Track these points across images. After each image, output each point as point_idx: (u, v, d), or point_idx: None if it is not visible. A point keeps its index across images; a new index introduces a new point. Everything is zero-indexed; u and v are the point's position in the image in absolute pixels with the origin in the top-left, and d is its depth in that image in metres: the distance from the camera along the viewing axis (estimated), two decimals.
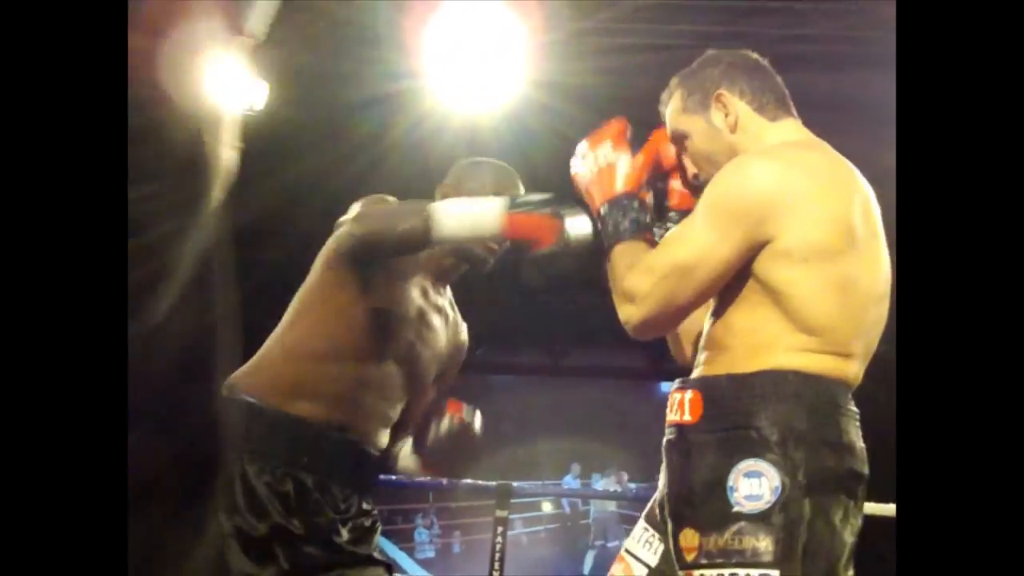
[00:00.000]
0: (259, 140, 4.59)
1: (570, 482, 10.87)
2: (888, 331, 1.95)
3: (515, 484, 4.72)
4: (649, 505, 2.19)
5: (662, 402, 2.04)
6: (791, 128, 2.09)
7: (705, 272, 1.89)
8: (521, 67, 5.09)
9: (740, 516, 1.78)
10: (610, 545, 10.38)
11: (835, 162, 2.00)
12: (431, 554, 10.46)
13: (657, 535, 2.11)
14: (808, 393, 1.83)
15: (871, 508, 4.20)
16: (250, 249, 2.39)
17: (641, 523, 2.17)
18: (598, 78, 5.23)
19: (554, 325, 9.75)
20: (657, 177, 2.21)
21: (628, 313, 1.96)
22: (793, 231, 1.85)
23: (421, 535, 10.53)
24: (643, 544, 2.15)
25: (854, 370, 1.92)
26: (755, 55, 2.17)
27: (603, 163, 2.13)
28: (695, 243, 1.92)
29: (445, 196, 2.39)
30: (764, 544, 1.76)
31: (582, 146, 2.19)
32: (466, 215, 2.18)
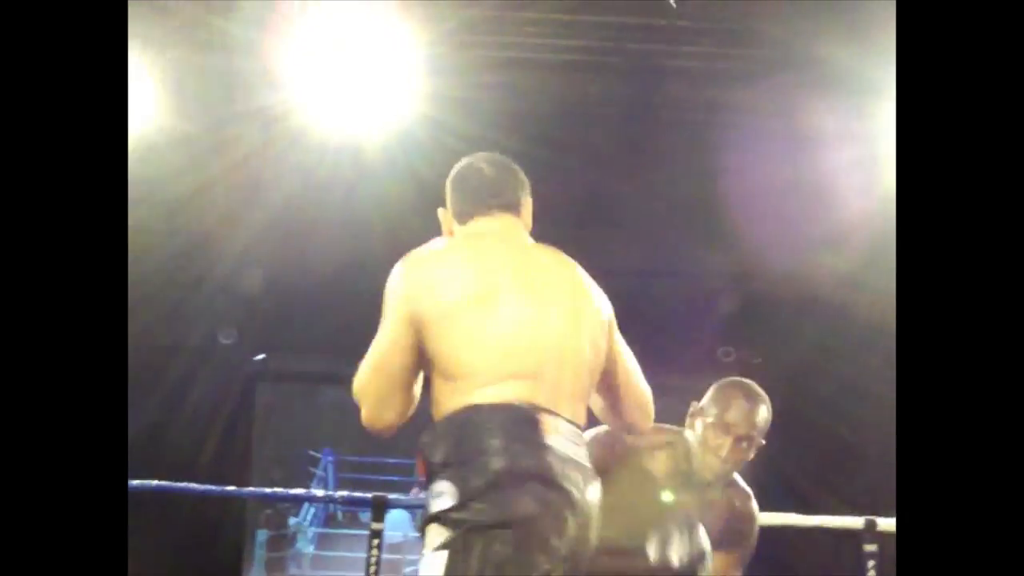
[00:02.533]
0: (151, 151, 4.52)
1: None
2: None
3: (391, 496, 4.80)
4: None
5: None
6: (472, 225, 2.38)
7: (393, 366, 2.17)
8: (409, 79, 4.90)
9: None
10: None
11: (458, 242, 2.35)
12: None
13: None
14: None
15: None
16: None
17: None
18: (486, 92, 5.31)
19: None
20: None
21: (362, 414, 2.21)
22: (423, 306, 2.16)
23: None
24: None
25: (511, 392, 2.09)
26: (481, 158, 2.45)
27: None
28: (379, 343, 2.19)
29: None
30: None
31: None
32: None
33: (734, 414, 2.61)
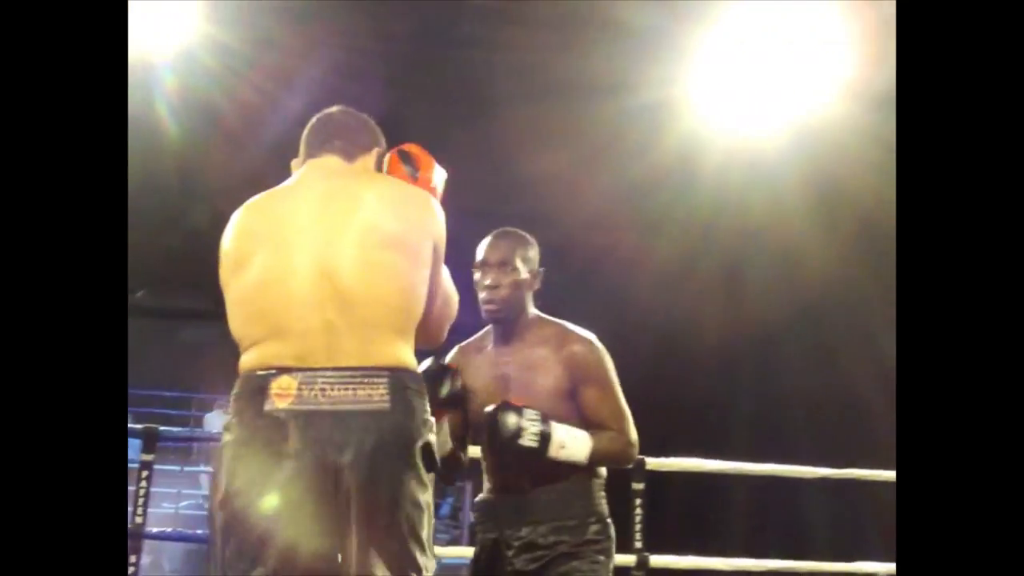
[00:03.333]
0: None
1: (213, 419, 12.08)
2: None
3: (161, 428, 4.66)
4: None
5: None
6: (298, 171, 2.46)
7: None
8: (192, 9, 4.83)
9: None
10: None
11: (255, 198, 2.36)
12: None
13: None
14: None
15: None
16: None
17: None
18: (274, 18, 5.24)
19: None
20: None
21: None
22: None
23: None
24: None
25: (267, 355, 2.17)
26: (336, 108, 2.52)
27: None
28: None
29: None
30: None
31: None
32: None
33: (482, 249, 2.95)
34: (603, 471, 2.88)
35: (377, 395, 2.11)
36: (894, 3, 4.83)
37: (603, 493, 2.88)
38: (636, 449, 2.87)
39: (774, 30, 5.18)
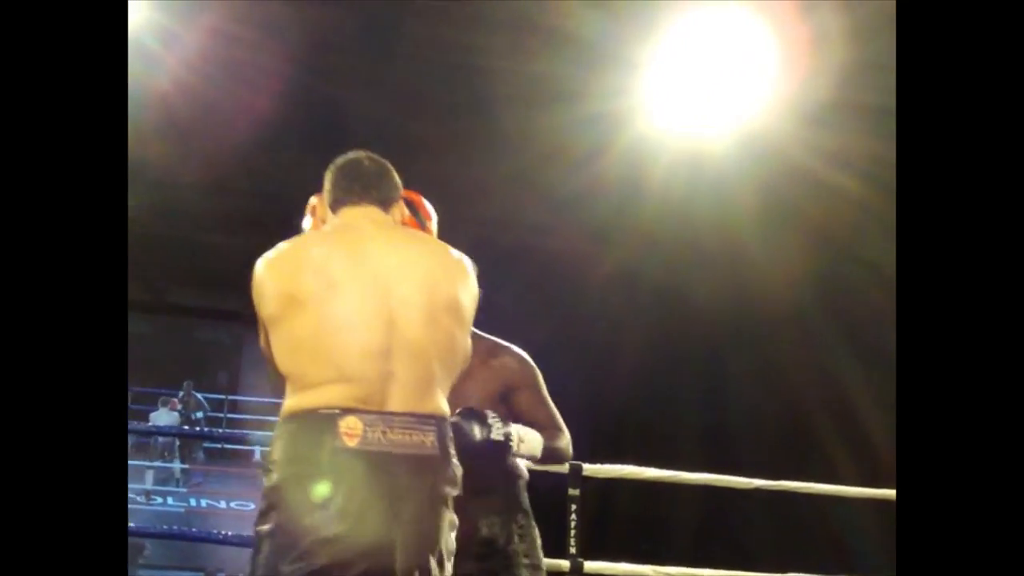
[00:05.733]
0: None
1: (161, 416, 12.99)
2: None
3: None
4: None
5: None
6: (341, 216, 2.53)
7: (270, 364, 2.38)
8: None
9: None
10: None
11: (311, 236, 2.56)
12: None
13: None
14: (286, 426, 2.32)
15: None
16: None
17: None
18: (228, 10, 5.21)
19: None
20: None
21: None
22: (262, 309, 2.35)
23: None
24: None
25: (331, 396, 2.27)
26: (363, 154, 2.59)
27: None
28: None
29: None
30: None
31: None
32: None
33: None
34: (526, 476, 2.99)
35: (428, 442, 2.30)
36: (826, 20, 4.82)
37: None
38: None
39: (717, 44, 5.22)
